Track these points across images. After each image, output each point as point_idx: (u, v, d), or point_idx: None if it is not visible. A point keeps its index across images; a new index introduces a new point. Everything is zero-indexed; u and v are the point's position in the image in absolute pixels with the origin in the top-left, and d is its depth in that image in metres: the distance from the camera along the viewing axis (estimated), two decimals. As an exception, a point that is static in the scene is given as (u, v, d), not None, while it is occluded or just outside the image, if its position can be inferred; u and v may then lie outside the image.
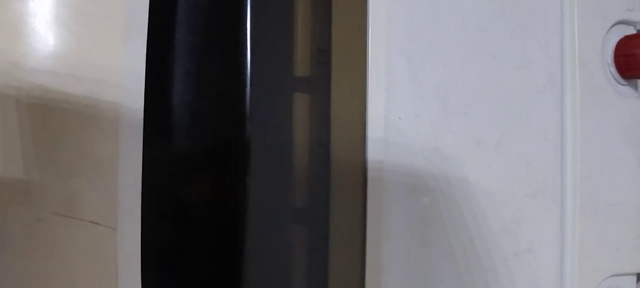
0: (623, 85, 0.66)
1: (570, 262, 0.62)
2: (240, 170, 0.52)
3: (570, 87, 0.63)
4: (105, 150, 0.50)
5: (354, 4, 0.57)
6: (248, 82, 0.52)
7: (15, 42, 0.51)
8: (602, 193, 0.64)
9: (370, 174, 0.56)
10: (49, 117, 0.51)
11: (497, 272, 0.61)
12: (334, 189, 0.56)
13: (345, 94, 0.56)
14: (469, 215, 0.60)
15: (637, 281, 0.66)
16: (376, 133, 0.56)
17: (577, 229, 0.63)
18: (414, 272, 0.58)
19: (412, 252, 0.57)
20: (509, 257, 0.61)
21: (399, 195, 0.57)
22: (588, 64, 0.64)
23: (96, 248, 0.50)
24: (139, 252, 0.50)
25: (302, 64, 0.55)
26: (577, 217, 0.63)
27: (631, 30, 0.67)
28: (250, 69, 0.52)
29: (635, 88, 0.67)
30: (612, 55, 0.65)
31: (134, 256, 0.50)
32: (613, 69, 0.65)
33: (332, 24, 0.56)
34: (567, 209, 0.63)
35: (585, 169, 0.63)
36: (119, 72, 0.50)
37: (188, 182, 0.53)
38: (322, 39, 0.56)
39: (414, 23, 0.58)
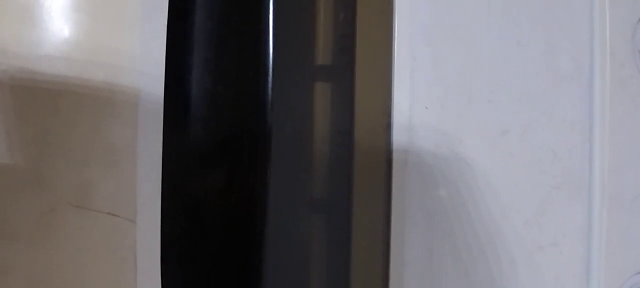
0: (655, 76, 0.64)
1: (597, 257, 0.61)
2: (261, 160, 0.51)
3: (598, 76, 0.62)
4: (122, 137, 0.49)
5: (378, -13, 0.55)
6: (270, 70, 0.50)
7: (29, 27, 0.50)
8: (631, 187, 0.62)
9: (394, 166, 0.55)
10: (62, 103, 0.49)
11: (521, 266, 0.59)
12: (357, 181, 0.55)
13: (369, 83, 0.55)
14: (493, 206, 0.58)
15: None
16: (401, 123, 0.55)
17: (604, 223, 0.61)
18: (436, 266, 0.56)
19: (435, 245, 0.56)
20: (533, 250, 0.60)
21: (423, 187, 0.55)
22: (618, 53, 0.62)
23: (113, 240, 0.49)
24: (159, 244, 0.49)
25: (324, 51, 0.54)
26: (604, 210, 0.61)
27: (663, 19, 0.65)
28: (272, 56, 0.50)
29: (667, 79, 0.65)
30: (644, 45, 0.63)
31: (153, 248, 0.49)
32: (644, 59, 0.63)
33: (356, 9, 0.54)
34: (594, 202, 0.61)
35: (613, 161, 0.61)
36: (136, 57, 0.49)
37: (208, 173, 0.52)
38: (345, 25, 0.54)
39: (436, 7, 0.56)
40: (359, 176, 0.55)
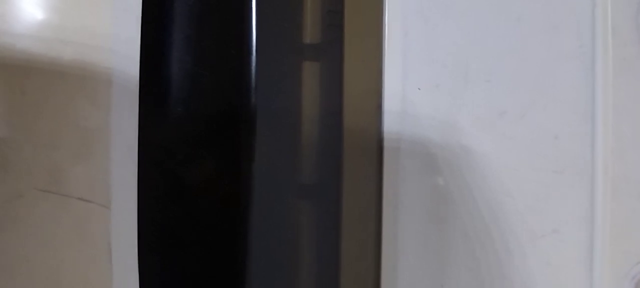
0: (659, 54, 0.62)
1: (601, 244, 0.59)
2: (245, 144, 0.49)
3: (601, 54, 0.59)
4: (94, 119, 0.47)
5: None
6: (253, 49, 0.48)
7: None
8: (636, 171, 0.60)
9: (386, 149, 0.53)
10: (29, 83, 0.47)
11: (520, 254, 0.57)
12: (347, 165, 0.53)
13: (359, 61, 0.53)
14: (491, 192, 0.56)
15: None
16: (392, 105, 0.53)
17: (608, 209, 0.59)
18: (431, 254, 0.54)
19: (430, 232, 0.54)
20: (533, 238, 0.58)
21: (416, 171, 0.53)
22: (621, 30, 0.60)
23: (85, 227, 0.47)
24: (135, 231, 0.47)
25: (312, 28, 0.52)
26: (607, 195, 0.59)
27: (668, -5, 0.63)
28: (256, 34, 0.48)
29: (672, 57, 0.62)
30: (647, 22, 0.61)
31: (129, 235, 0.47)
32: (648, 36, 0.61)
33: (344, -17, 0.53)
34: (597, 187, 0.59)
35: (617, 144, 0.59)
36: (109, 35, 0.47)
37: (188, 157, 0.50)
38: (333, 0, 0.52)
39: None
40: (349, 162, 0.53)
